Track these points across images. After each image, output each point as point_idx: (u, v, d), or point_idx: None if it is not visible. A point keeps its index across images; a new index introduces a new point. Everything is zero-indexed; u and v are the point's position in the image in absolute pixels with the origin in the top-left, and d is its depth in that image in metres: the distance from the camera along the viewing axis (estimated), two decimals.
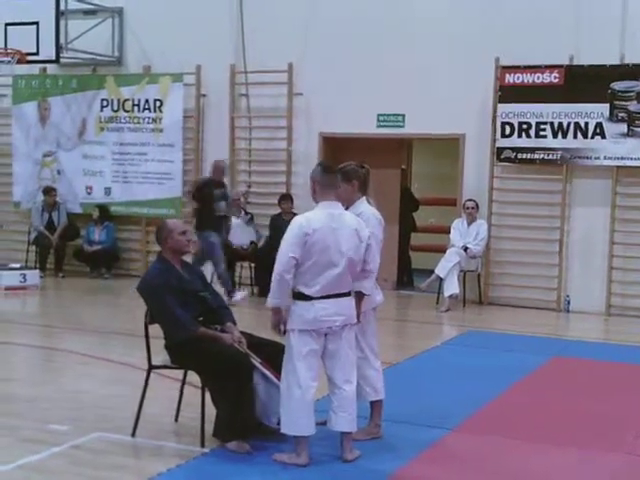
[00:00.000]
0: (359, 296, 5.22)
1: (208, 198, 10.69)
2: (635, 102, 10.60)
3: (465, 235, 11.22)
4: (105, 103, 13.19)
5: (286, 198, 11.74)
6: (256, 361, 5.28)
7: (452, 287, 10.86)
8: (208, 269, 10.44)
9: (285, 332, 5.06)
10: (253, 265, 11.85)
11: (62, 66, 13.36)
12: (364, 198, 5.50)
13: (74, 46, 12.66)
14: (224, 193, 10.95)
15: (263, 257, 11.03)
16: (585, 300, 10.99)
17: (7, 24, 12.22)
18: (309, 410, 4.97)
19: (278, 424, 5.13)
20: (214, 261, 10.74)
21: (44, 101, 13.57)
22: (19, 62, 12.25)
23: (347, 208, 5.38)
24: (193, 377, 5.50)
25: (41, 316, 10.58)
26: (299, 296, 5.00)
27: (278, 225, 11.33)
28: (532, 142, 11.09)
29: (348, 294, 5.10)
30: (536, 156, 11.11)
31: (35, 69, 13.48)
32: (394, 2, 11.68)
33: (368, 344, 5.46)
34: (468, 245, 11.08)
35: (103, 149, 13.25)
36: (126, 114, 13.07)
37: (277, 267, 4.94)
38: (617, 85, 10.65)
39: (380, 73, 11.65)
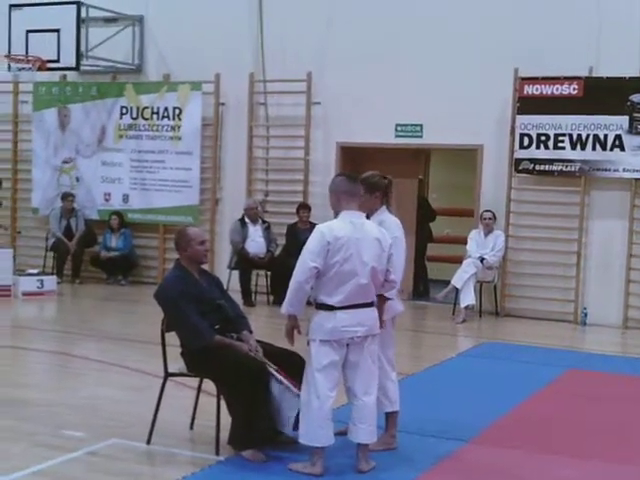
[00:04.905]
0: (381, 299, 5.17)
1: None
2: None
3: (482, 246, 11.20)
4: (124, 111, 13.25)
5: (304, 207, 11.78)
6: (272, 368, 5.27)
7: (468, 298, 10.84)
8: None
9: (293, 341, 5.06)
10: (269, 274, 11.85)
11: (82, 73, 13.44)
12: (384, 207, 5.49)
13: (94, 54, 12.73)
14: None
15: (279, 266, 11.04)
16: (602, 313, 10.92)
17: (28, 31, 12.31)
18: (327, 421, 4.95)
19: (294, 430, 5.13)
20: None
21: (64, 108, 13.64)
22: (40, 69, 12.33)
23: (368, 217, 5.38)
24: (209, 385, 5.50)
25: (58, 322, 10.61)
26: (321, 306, 4.96)
27: (294, 234, 11.38)
28: (550, 154, 11.05)
29: (371, 304, 5.05)
30: (554, 168, 11.07)
31: (55, 76, 13.57)
32: (412, 13, 11.68)
33: (385, 355, 5.42)
34: (485, 256, 11.05)
35: (122, 156, 13.31)
36: (145, 122, 13.12)
37: (297, 275, 4.88)
38: (636, 97, 10.61)
39: (398, 83, 11.66)
